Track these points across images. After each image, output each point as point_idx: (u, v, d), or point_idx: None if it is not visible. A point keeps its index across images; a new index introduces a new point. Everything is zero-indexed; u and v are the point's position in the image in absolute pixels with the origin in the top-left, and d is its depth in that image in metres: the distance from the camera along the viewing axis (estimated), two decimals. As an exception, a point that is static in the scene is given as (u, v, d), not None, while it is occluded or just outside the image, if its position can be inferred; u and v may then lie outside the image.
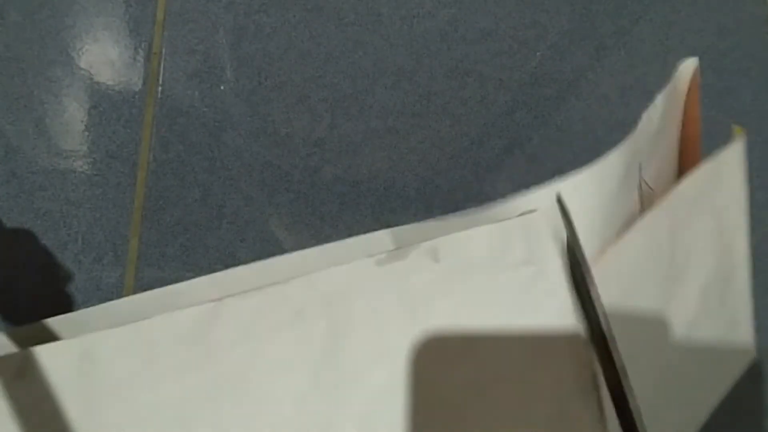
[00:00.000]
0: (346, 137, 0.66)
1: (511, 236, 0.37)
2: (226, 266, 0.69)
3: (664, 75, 0.75)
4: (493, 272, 0.35)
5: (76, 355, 0.34)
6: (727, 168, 0.46)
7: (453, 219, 0.37)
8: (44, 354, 0.36)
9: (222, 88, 0.67)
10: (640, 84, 0.69)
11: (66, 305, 0.61)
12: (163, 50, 0.68)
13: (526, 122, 0.67)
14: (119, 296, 0.61)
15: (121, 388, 0.33)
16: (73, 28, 0.69)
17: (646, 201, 0.46)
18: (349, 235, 0.68)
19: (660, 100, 0.50)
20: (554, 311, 0.36)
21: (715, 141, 0.72)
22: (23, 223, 0.63)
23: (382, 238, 0.36)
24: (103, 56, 0.68)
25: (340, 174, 0.65)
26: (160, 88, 0.67)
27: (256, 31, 0.69)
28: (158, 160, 0.65)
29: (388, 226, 0.67)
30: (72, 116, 0.66)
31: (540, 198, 0.39)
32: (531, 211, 0.38)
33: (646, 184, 0.46)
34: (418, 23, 0.69)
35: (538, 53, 0.69)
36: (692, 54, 0.76)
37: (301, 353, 0.34)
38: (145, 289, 0.67)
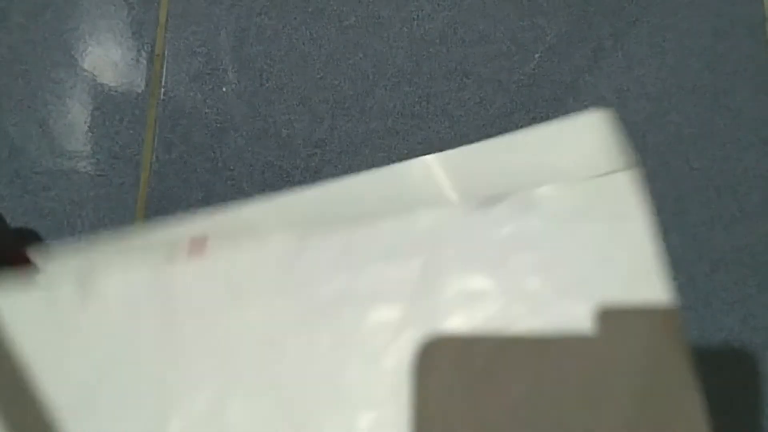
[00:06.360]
0: (347, 138, 0.67)
1: (601, 193, 0.35)
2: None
3: (661, 76, 0.76)
4: (582, 226, 0.34)
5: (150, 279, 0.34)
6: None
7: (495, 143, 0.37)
8: (117, 273, 0.36)
9: (224, 89, 0.68)
10: (638, 85, 0.69)
11: (69, 304, 0.61)
12: (166, 52, 0.69)
13: (524, 123, 0.68)
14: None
15: (203, 312, 0.33)
16: (77, 31, 0.69)
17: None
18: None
19: None
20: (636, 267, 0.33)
21: (714, 142, 0.73)
22: (27, 223, 0.64)
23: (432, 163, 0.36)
24: (107, 58, 0.69)
25: (341, 174, 0.66)
26: (162, 90, 0.68)
27: (257, 33, 0.69)
28: (161, 160, 0.66)
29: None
30: (75, 117, 0.67)
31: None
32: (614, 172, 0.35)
33: None
34: (418, 26, 0.70)
35: (536, 55, 0.70)
36: (689, 54, 0.77)
37: (394, 288, 0.35)
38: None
